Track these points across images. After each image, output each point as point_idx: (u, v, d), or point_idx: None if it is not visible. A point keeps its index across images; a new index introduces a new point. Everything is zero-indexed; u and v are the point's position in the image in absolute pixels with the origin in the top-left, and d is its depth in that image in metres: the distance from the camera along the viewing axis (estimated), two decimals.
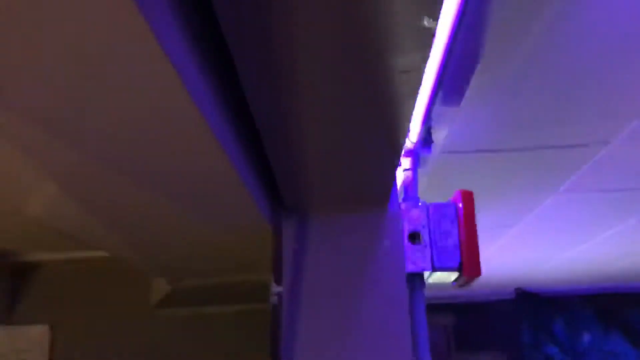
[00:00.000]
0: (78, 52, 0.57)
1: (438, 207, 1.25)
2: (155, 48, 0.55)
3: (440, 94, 1.22)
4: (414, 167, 1.33)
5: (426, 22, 0.59)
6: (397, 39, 0.61)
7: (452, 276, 1.26)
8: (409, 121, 0.81)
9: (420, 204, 1.26)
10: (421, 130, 1.26)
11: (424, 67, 0.67)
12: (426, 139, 1.31)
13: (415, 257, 1.22)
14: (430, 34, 0.60)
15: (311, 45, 0.64)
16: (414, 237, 1.23)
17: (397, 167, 1.07)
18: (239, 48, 0.65)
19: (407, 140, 1.33)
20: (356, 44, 0.63)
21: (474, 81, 1.27)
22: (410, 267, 1.21)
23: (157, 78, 0.63)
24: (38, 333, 1.90)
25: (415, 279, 1.24)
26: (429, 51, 0.64)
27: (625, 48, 1.17)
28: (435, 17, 0.59)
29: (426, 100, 1.16)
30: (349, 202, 1.20)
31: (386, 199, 1.22)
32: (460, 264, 1.21)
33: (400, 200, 1.28)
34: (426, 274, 1.24)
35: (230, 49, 0.65)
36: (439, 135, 1.54)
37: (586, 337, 4.15)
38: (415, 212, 1.24)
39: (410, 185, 1.31)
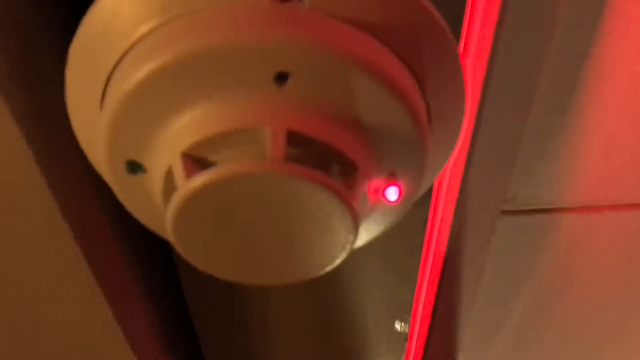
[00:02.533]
0: None
1: None
2: None
3: None
4: None
5: (398, 326, 0.61)
6: (372, 341, 0.63)
7: None
8: None
9: None
10: None
11: None
12: None
13: None
14: (403, 337, 0.62)
15: (290, 350, 0.64)
16: None
17: None
18: None
19: None
20: (332, 347, 0.64)
21: None
22: None
23: None
24: None
25: None
26: (403, 352, 0.64)
27: None
28: (406, 321, 0.62)
29: None
30: None
31: None
32: None
33: None
34: None
35: None
36: None
37: None
38: None
39: None
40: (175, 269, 0.53)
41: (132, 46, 0.29)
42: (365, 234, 0.37)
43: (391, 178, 0.32)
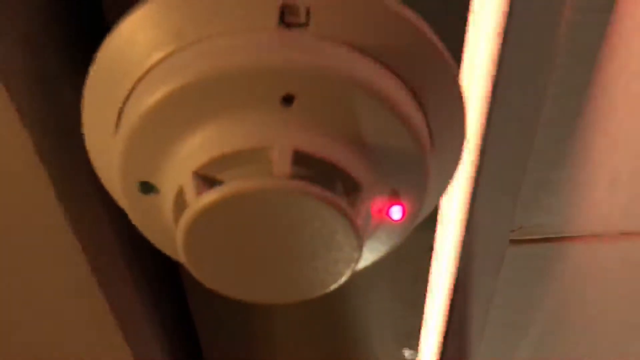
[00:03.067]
0: None
1: None
2: None
3: None
4: None
5: (407, 354, 0.61)
6: None
7: None
8: None
9: None
10: None
11: None
12: None
13: None
14: None
15: None
16: None
17: None
18: None
19: None
20: None
21: None
22: None
23: None
24: None
25: None
26: None
27: None
28: (415, 348, 0.62)
29: None
30: None
31: None
32: None
33: None
34: None
35: None
36: None
37: None
38: None
39: None
40: (181, 283, 0.54)
41: (146, 72, 0.31)
42: (370, 254, 0.38)
43: (394, 197, 0.33)
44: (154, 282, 0.51)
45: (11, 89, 0.31)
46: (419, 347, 0.63)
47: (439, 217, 0.59)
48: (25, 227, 0.37)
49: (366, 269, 0.48)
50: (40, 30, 0.34)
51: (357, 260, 0.32)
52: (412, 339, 0.61)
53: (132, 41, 0.30)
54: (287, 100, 0.29)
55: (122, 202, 0.35)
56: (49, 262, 0.39)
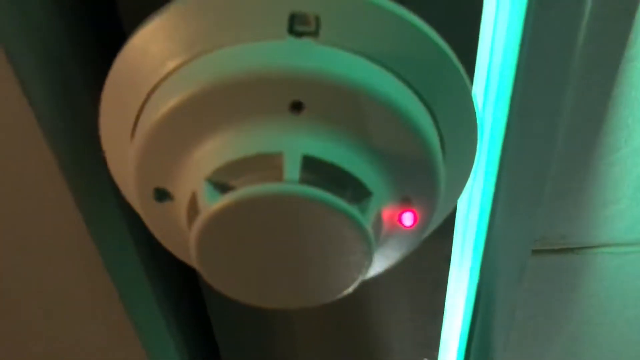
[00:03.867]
0: None
1: None
2: None
3: None
4: None
5: None
6: None
7: None
8: None
9: None
10: None
11: None
12: None
13: None
14: None
15: None
16: None
17: None
18: None
19: None
20: None
21: None
22: None
23: None
24: None
25: None
26: None
27: None
28: (434, 358, 0.61)
29: None
30: None
31: None
32: None
33: None
34: None
35: None
36: None
37: None
38: None
39: None
40: (199, 288, 0.55)
41: (160, 81, 0.31)
42: (384, 261, 0.38)
43: (406, 204, 0.33)
44: (172, 286, 0.52)
45: (31, 97, 0.32)
46: (439, 358, 0.62)
47: (457, 226, 0.58)
48: (44, 233, 0.38)
49: (384, 278, 0.48)
50: (62, 40, 0.35)
51: (367, 266, 0.32)
52: (432, 349, 0.61)
53: (146, 51, 0.31)
54: (297, 107, 0.29)
55: (138, 208, 0.35)
56: (66, 267, 0.40)
